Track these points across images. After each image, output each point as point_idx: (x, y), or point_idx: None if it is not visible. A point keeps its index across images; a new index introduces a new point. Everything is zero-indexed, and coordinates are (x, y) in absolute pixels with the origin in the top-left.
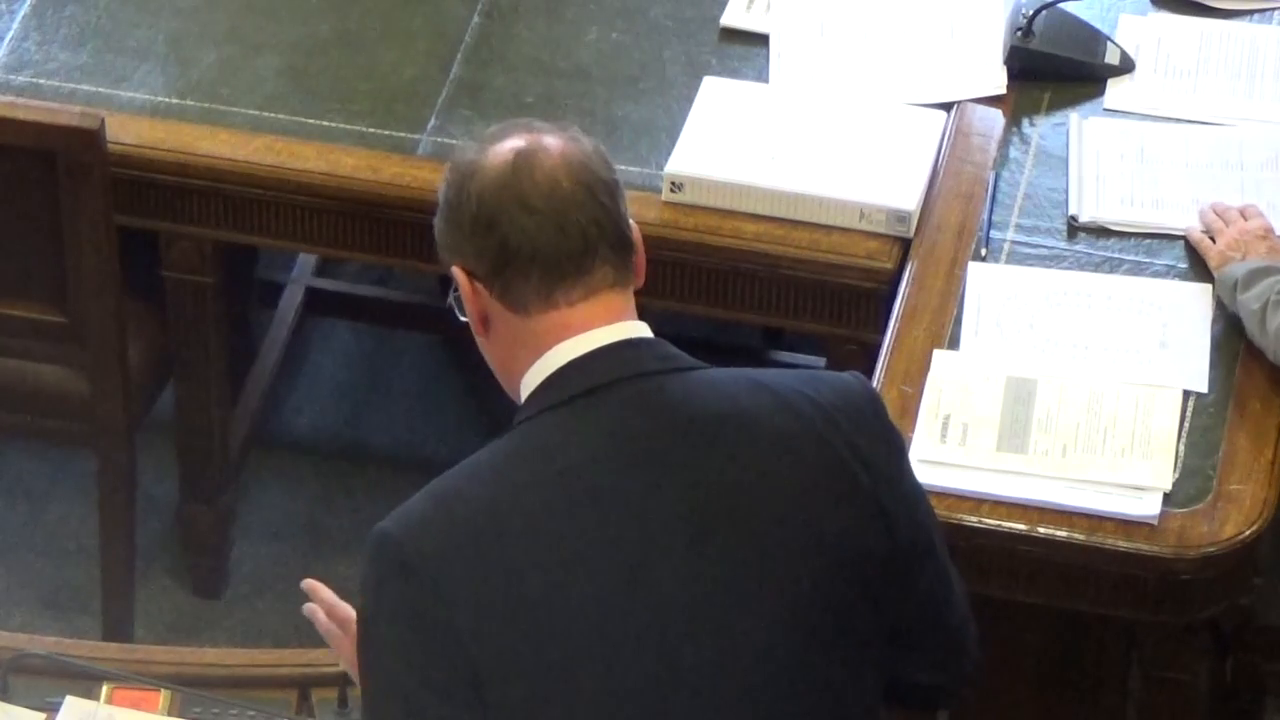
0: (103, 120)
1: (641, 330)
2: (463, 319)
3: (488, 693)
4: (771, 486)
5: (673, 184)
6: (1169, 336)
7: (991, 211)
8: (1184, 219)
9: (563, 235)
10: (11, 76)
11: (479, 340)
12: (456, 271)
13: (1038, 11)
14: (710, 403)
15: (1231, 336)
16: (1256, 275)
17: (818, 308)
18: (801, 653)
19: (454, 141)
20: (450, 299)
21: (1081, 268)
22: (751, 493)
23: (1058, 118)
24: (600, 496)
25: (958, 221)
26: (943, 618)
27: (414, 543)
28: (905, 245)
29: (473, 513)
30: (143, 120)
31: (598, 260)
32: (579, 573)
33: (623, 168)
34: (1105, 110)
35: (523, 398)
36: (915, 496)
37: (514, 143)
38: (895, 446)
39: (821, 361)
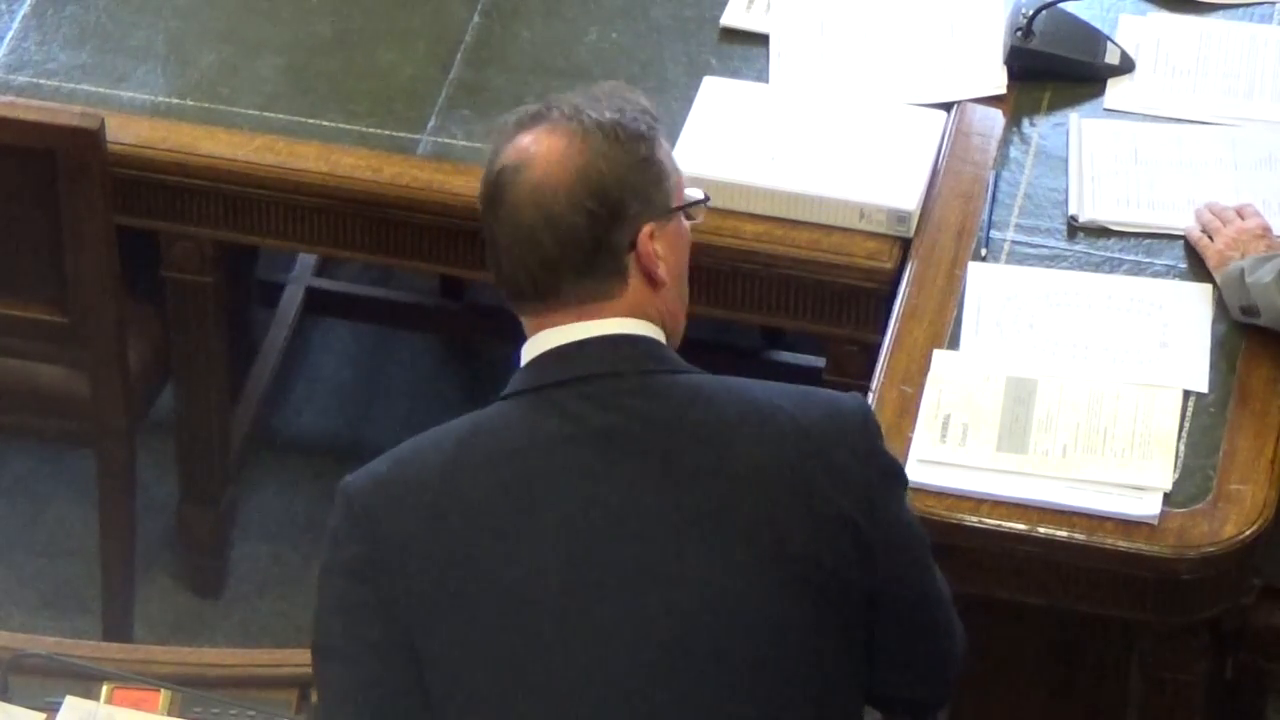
0: (103, 120)
1: (638, 328)
2: None
3: (425, 659)
4: (734, 497)
5: None
6: (1169, 336)
7: (991, 211)
8: (1183, 219)
9: (520, 268)
10: (11, 76)
11: None
12: None
13: (1038, 11)
14: (687, 408)
15: (1232, 336)
16: (1262, 261)
17: (818, 308)
18: (742, 657)
19: (454, 141)
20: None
21: (1081, 268)
22: (712, 501)
23: (1058, 118)
24: (552, 480)
25: (958, 221)
26: (927, 637)
27: (365, 499)
28: (905, 245)
29: (425, 477)
30: (143, 120)
31: (561, 286)
32: (522, 550)
33: None
34: (1105, 110)
35: None
36: (903, 525)
37: (510, 152)
38: (882, 473)
39: (821, 362)
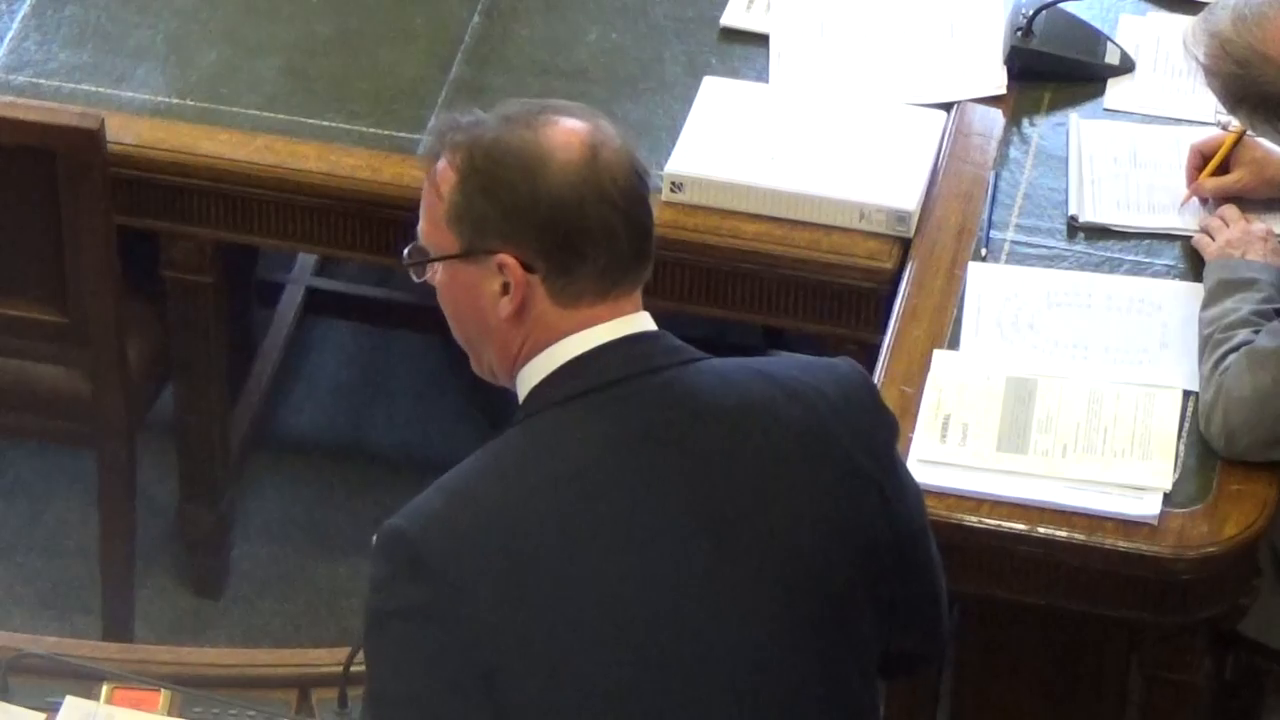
0: (103, 120)
1: (646, 323)
2: (418, 280)
3: (500, 691)
4: (781, 478)
5: (673, 184)
6: (1169, 336)
7: (991, 211)
8: (1183, 219)
9: (631, 229)
10: (11, 76)
11: (474, 326)
12: (507, 260)
13: (1038, 11)
14: (718, 395)
15: None
16: (1226, 288)
17: (818, 308)
18: (810, 641)
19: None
20: (406, 262)
21: (1081, 268)
22: (763, 484)
23: (1058, 118)
24: (612, 495)
25: (958, 221)
26: (932, 591)
27: (427, 540)
28: (905, 245)
29: (486, 513)
30: (143, 120)
31: (649, 253)
32: (592, 572)
33: None
34: (1105, 110)
35: (522, 391)
36: (907, 478)
37: (571, 126)
38: (890, 430)
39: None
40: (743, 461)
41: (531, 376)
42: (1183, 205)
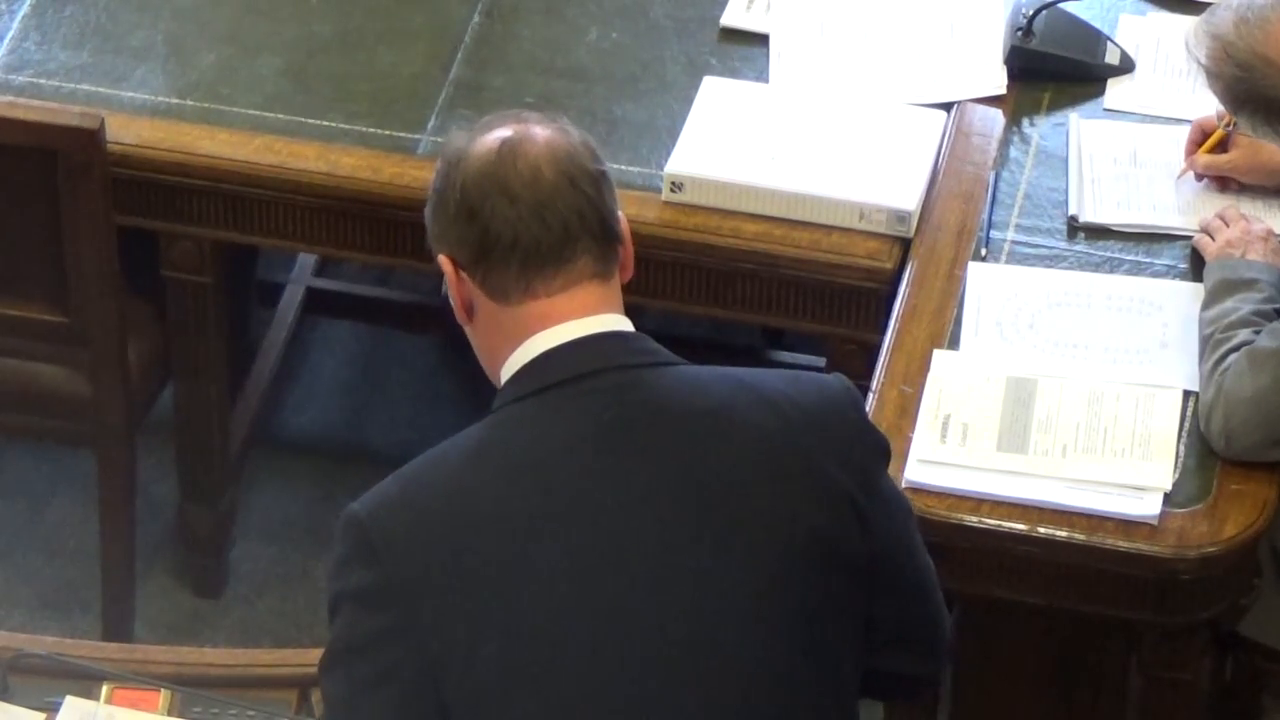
0: (103, 120)
1: (623, 324)
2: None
3: (444, 681)
4: (744, 480)
5: (673, 184)
6: (1169, 336)
7: (991, 211)
8: (1183, 219)
9: (543, 224)
10: (11, 76)
11: (465, 329)
12: (442, 260)
13: (1038, 11)
14: (686, 397)
15: None
16: (1226, 288)
17: (818, 308)
18: (769, 643)
19: None
20: (444, 289)
21: (1081, 268)
22: (724, 486)
23: (1058, 118)
24: (568, 488)
25: (958, 221)
26: (923, 611)
27: (378, 526)
28: (905, 245)
29: (438, 501)
30: (143, 120)
31: (579, 250)
32: (543, 565)
33: (623, 168)
34: (1105, 110)
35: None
36: (893, 497)
37: (501, 132)
38: (874, 448)
39: (821, 361)
40: (704, 460)
41: (506, 373)
42: (1179, 178)
